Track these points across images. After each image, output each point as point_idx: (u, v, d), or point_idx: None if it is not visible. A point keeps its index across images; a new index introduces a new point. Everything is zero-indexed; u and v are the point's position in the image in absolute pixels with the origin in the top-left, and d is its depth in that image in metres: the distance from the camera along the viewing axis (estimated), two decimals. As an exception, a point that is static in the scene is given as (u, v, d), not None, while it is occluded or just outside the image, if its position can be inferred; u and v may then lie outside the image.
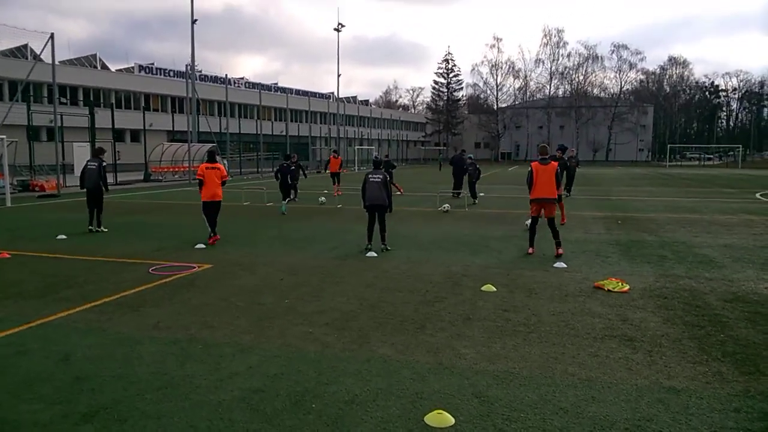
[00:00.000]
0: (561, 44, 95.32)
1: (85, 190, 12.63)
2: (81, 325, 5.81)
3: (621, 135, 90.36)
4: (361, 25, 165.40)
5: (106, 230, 12.37)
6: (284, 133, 51.40)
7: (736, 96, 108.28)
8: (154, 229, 13.18)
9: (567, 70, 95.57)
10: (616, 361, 4.84)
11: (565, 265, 8.77)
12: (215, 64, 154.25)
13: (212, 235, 11.03)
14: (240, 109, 56.09)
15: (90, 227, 12.34)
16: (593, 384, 4.36)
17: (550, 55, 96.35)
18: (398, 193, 21.50)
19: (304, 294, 7.08)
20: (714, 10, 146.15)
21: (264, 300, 6.81)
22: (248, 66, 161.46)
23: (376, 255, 9.67)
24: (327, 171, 25.34)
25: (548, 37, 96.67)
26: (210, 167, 11.14)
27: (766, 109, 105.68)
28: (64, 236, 11.57)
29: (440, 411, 3.80)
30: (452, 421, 3.72)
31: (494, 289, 7.26)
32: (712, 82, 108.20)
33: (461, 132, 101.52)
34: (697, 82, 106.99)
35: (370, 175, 10.15)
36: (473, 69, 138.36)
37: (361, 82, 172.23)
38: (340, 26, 58.85)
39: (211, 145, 38.43)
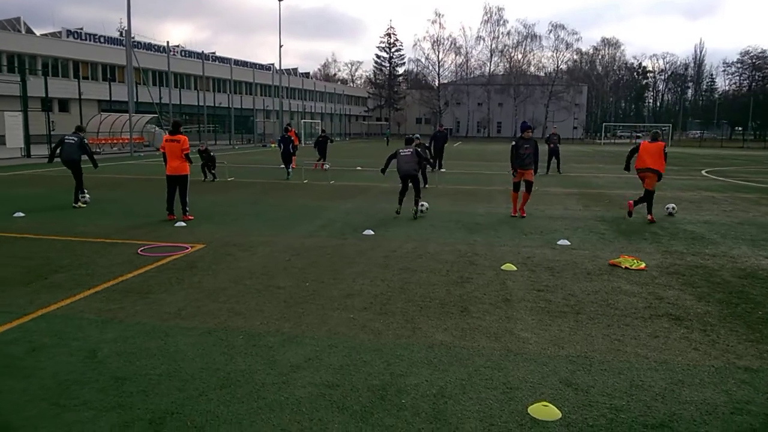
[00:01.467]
0: (501, 22, 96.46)
1: (53, 162, 12.54)
2: (91, 316, 5.19)
3: (557, 113, 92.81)
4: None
5: (84, 205, 11.78)
6: (226, 105, 49.44)
7: (663, 77, 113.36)
8: (114, 205, 12.26)
9: (506, 48, 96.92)
10: (679, 342, 4.77)
11: (568, 243, 8.75)
12: (139, 30, 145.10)
13: (184, 212, 10.42)
14: (178, 78, 53.42)
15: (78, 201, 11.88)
16: (672, 367, 4.26)
17: (490, 32, 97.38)
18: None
19: (321, 276, 6.68)
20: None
21: (281, 283, 6.35)
22: (174, 34, 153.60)
23: (373, 233, 9.34)
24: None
25: (489, 15, 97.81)
26: (170, 139, 10.58)
27: (689, 91, 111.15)
28: (21, 213, 10.52)
29: (546, 403, 3.58)
30: (559, 414, 3.50)
31: (514, 268, 7.10)
32: (640, 64, 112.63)
33: (403, 107, 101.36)
34: (626, 63, 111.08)
35: (401, 150, 11.20)
36: (415, 44, 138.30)
37: (294, 55, 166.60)
38: (283, -5, 56.89)
39: (152, 115, 36.49)
